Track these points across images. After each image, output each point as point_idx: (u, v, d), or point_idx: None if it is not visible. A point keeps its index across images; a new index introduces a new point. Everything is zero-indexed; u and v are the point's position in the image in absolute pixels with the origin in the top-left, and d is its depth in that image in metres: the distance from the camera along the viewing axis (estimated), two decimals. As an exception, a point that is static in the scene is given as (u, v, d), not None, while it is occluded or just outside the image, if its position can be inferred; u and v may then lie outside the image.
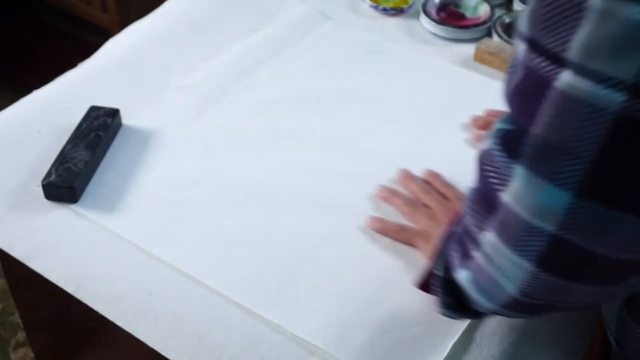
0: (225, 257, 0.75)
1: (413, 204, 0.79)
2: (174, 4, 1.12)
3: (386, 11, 1.11)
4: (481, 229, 0.53)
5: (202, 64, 1.00)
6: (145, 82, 0.97)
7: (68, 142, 0.84)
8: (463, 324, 0.69)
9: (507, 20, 1.07)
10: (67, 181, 0.79)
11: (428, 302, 0.71)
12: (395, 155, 0.87)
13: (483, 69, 1.01)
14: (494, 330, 0.69)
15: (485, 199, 0.52)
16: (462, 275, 0.58)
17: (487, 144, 0.52)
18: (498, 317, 0.69)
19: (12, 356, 1.53)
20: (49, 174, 0.80)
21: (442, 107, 0.94)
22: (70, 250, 0.75)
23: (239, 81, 0.97)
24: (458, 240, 0.59)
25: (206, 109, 0.93)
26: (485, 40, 1.03)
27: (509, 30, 1.06)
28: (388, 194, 0.81)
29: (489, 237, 0.52)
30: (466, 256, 0.57)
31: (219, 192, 0.82)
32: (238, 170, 0.85)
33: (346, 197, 0.81)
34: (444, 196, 0.80)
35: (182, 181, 0.83)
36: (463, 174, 0.84)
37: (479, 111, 0.93)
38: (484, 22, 1.07)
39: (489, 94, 0.96)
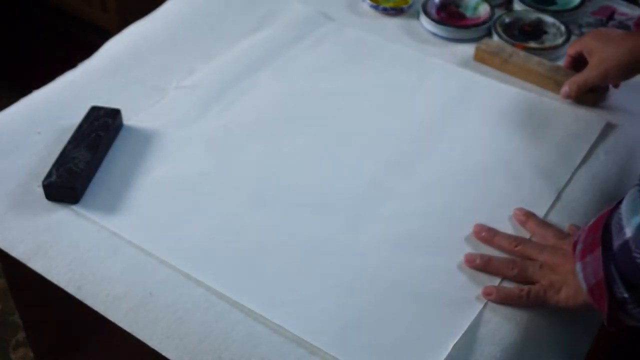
0: (225, 257, 0.75)
1: (517, 264, 0.72)
2: (174, 4, 1.12)
3: (386, 11, 1.11)
4: None
5: (203, 64, 1.00)
6: (145, 82, 0.97)
7: (69, 143, 0.84)
8: (464, 323, 0.69)
9: (507, 20, 1.07)
10: (68, 181, 0.79)
11: (428, 302, 0.71)
12: (397, 154, 0.87)
13: (483, 69, 1.01)
14: (495, 330, 0.69)
15: None
16: None
17: None
18: (499, 318, 0.70)
19: (12, 356, 1.53)
20: (49, 175, 0.80)
21: (442, 107, 0.94)
22: (70, 251, 0.75)
23: (240, 82, 0.97)
24: None
25: (207, 110, 0.93)
26: (485, 40, 1.03)
27: (509, 30, 1.06)
28: (482, 261, 0.73)
29: None
30: None
31: (219, 192, 0.82)
32: (239, 170, 0.85)
33: (347, 197, 0.81)
34: (541, 236, 0.75)
35: (182, 182, 0.83)
36: (466, 173, 0.85)
37: (479, 111, 0.93)
38: (484, 22, 1.07)
39: (489, 94, 0.97)
